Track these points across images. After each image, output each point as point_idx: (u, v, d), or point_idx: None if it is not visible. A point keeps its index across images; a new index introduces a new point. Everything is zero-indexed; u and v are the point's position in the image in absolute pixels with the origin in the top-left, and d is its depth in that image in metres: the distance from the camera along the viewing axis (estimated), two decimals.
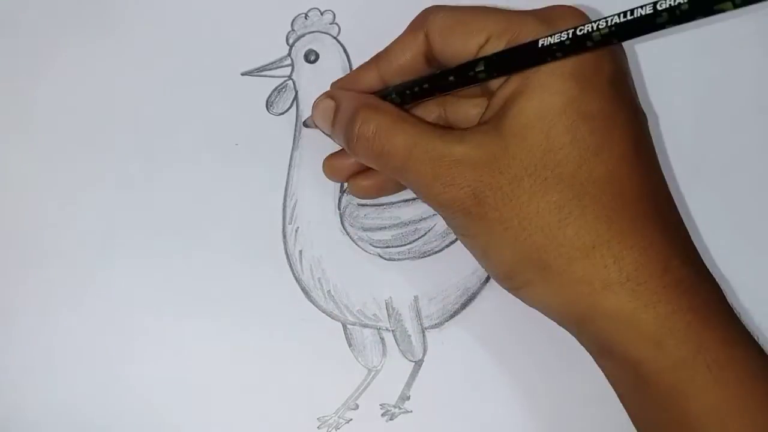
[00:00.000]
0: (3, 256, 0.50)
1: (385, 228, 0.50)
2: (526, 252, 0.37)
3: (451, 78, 0.39)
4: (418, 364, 0.49)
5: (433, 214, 0.50)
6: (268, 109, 0.51)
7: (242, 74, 0.51)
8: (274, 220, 0.50)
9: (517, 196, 0.36)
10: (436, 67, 0.42)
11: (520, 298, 0.40)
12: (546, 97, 0.37)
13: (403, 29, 0.42)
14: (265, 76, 0.51)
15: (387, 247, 0.50)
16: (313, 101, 0.46)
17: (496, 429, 0.48)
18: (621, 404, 0.40)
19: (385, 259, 0.50)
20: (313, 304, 0.49)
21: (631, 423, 0.40)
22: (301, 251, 0.49)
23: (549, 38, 0.36)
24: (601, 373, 0.40)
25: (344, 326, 0.49)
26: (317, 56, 0.51)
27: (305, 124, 0.50)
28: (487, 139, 0.37)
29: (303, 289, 0.49)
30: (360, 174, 0.46)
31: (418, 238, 0.50)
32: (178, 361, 0.49)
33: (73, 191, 0.50)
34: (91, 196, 0.50)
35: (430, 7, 0.41)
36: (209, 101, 0.51)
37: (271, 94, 0.51)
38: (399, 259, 0.50)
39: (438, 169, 0.37)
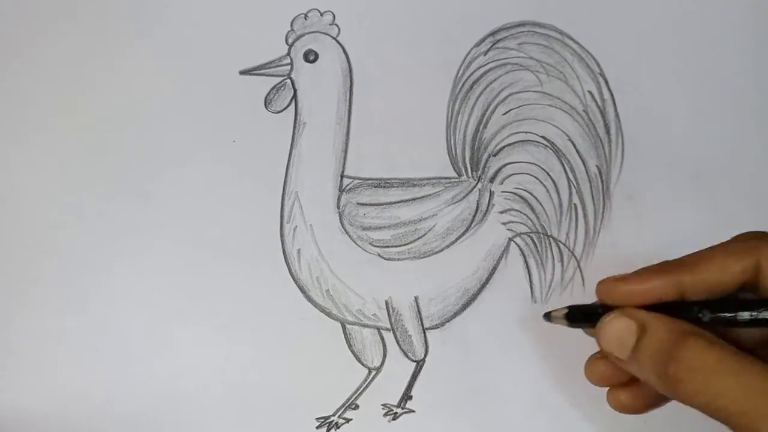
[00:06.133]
0: (3, 257, 0.49)
1: (384, 227, 0.49)
2: None
3: None
4: (420, 364, 0.48)
5: (433, 215, 0.49)
6: (266, 107, 0.50)
7: (241, 73, 0.50)
8: (272, 218, 0.49)
9: None
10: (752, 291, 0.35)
11: None
12: None
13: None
14: (264, 74, 0.50)
15: (386, 246, 0.49)
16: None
17: (499, 429, 0.48)
18: None
19: (385, 258, 0.49)
20: (312, 303, 0.48)
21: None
22: (299, 250, 0.49)
23: None
24: None
25: (343, 326, 0.48)
26: (317, 56, 0.50)
27: (547, 317, 0.38)
28: None
29: (301, 288, 0.48)
30: (622, 388, 0.37)
31: (418, 238, 0.49)
32: (176, 361, 0.48)
33: (72, 190, 0.49)
34: (89, 195, 0.49)
35: (762, 233, 0.35)
36: (207, 99, 0.50)
37: (269, 91, 0.50)
38: (399, 259, 0.49)
39: None
